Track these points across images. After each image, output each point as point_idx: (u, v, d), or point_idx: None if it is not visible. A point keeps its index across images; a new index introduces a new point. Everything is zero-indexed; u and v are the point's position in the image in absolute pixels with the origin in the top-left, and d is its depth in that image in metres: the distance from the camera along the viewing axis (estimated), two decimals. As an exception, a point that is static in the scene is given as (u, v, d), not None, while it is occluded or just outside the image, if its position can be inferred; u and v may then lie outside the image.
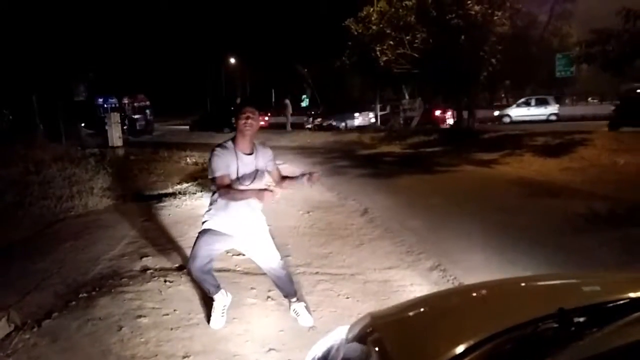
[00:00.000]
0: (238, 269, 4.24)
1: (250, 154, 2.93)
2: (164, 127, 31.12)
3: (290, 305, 3.30)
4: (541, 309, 1.23)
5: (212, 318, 3.19)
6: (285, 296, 3.31)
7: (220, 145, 2.91)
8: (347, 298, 3.67)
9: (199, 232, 3.03)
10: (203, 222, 3.02)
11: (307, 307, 3.33)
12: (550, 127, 18.20)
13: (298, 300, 3.30)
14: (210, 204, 3.00)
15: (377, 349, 1.26)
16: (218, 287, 3.15)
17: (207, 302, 3.51)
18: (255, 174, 2.92)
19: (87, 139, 16.59)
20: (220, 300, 3.18)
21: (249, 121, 2.85)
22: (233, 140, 2.93)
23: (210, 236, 2.97)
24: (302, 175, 2.93)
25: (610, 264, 4.14)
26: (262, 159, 2.98)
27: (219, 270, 4.16)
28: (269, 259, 3.12)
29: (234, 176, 2.85)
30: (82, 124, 21.51)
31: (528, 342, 1.16)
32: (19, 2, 17.93)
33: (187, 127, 29.09)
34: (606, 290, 1.53)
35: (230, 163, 2.85)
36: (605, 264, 4.16)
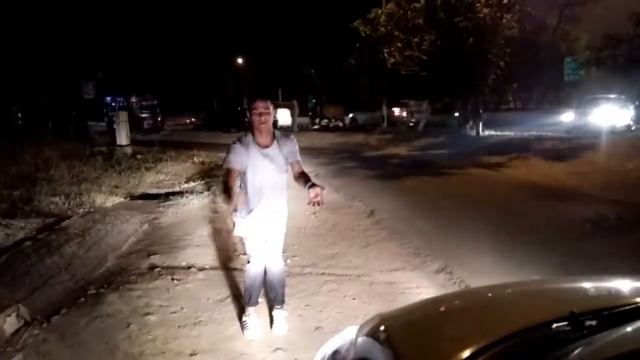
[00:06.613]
0: (245, 268, 4.24)
1: (269, 146, 2.85)
2: (171, 126, 31.25)
3: (272, 310, 3.20)
4: (552, 312, 1.23)
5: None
6: (272, 300, 3.19)
7: (239, 140, 2.88)
8: (354, 299, 3.66)
9: None
10: None
11: (286, 318, 3.15)
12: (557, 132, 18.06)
13: (282, 308, 3.17)
14: None
15: (388, 350, 1.26)
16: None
17: (214, 301, 3.53)
18: (272, 165, 2.84)
19: (96, 137, 16.68)
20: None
21: (263, 117, 2.76)
22: (253, 133, 2.85)
23: None
24: (310, 185, 2.66)
25: (620, 268, 4.10)
26: (285, 149, 2.88)
27: (226, 270, 4.19)
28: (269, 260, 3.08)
29: (245, 169, 2.82)
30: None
31: (539, 345, 1.16)
32: (29, 3, 18.14)
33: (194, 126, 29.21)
34: (617, 295, 1.53)
35: (244, 158, 2.80)
36: (615, 268, 4.13)
